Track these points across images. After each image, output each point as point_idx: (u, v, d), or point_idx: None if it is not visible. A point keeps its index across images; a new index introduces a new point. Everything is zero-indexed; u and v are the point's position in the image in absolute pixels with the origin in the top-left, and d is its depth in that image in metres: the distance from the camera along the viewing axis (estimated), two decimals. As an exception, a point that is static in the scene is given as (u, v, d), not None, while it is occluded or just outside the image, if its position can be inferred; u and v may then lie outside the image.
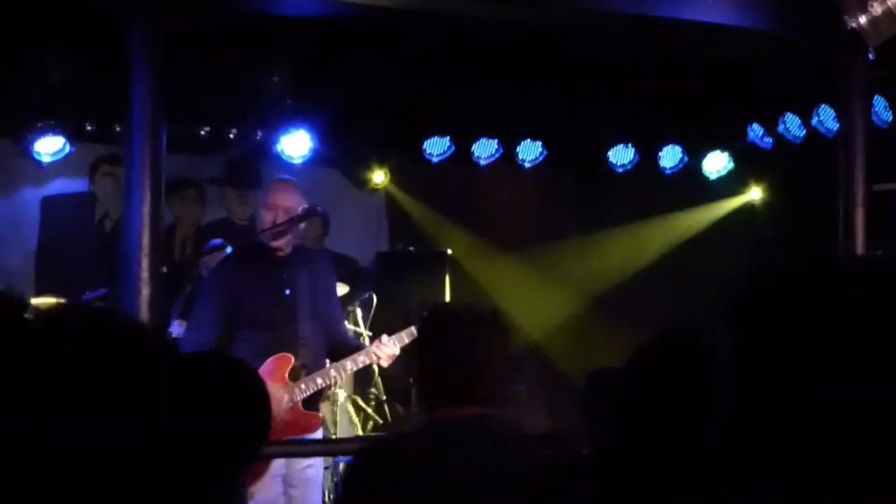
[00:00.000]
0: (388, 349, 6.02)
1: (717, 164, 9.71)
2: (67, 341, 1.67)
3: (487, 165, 9.48)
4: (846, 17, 5.61)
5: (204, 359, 2.07)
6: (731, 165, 9.66)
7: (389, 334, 6.14)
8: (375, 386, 8.32)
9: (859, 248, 6.08)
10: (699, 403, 2.38)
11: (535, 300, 9.80)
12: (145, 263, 4.87)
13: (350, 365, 5.97)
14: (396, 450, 3.43)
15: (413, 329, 6.25)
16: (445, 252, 9.02)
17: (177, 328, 7.53)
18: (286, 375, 5.81)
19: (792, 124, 9.23)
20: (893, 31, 5.51)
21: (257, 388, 2.09)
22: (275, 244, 5.91)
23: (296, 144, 8.68)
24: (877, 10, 5.52)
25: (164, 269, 5.03)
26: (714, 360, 2.45)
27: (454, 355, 3.38)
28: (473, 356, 3.37)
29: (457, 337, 3.39)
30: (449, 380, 3.37)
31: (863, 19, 5.49)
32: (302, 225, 6.05)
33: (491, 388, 3.36)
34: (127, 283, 4.89)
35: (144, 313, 4.84)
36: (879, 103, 8.42)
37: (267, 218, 5.92)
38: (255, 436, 2.05)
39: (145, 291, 4.87)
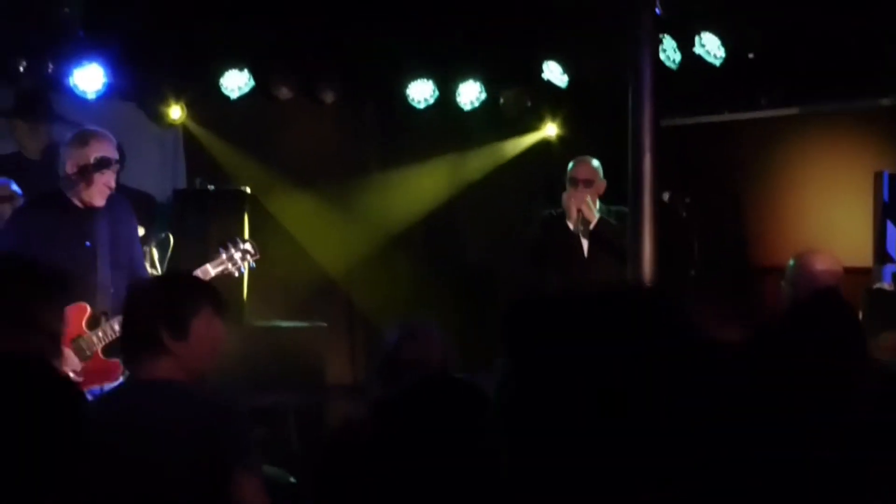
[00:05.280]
0: None
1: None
2: None
3: (286, 101, 9.46)
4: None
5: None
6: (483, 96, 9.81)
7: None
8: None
9: (647, 193, 6.29)
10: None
11: (335, 237, 9.82)
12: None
13: None
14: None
15: (208, 267, 6.23)
16: (244, 190, 8.94)
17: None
18: (83, 324, 5.74)
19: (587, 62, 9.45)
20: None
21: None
22: (85, 196, 5.79)
23: (89, 78, 8.51)
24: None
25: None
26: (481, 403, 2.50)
27: None
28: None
29: None
30: None
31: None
32: (101, 175, 5.89)
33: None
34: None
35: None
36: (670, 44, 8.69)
37: (74, 169, 5.79)
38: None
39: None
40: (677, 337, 1.54)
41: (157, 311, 3.52)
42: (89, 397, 4.55)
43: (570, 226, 7.48)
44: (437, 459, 2.40)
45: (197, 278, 3.71)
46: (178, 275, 3.72)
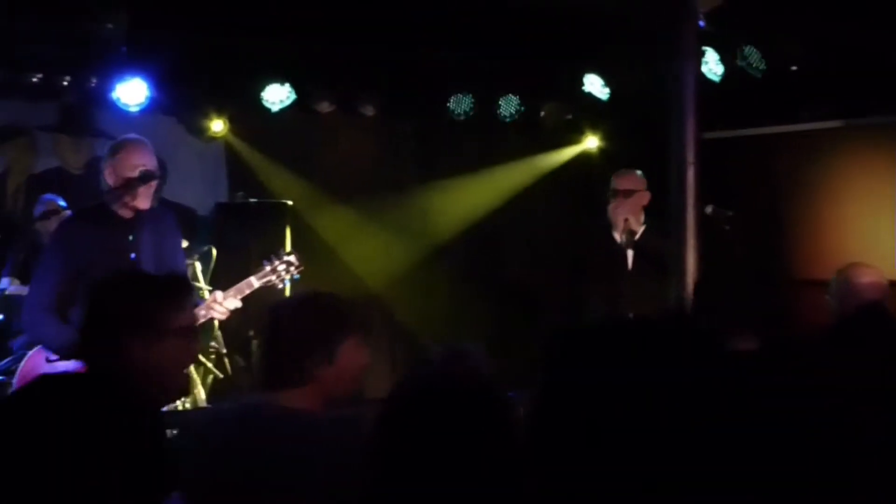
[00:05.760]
0: (228, 304, 6.01)
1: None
2: None
3: (327, 114, 9.49)
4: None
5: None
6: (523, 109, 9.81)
7: (229, 286, 6.12)
8: (215, 339, 8.27)
9: (690, 205, 6.26)
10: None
11: (375, 251, 9.84)
12: (-22, 232, 4.77)
13: None
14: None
15: (252, 279, 6.24)
16: (286, 203, 8.97)
17: (7, 285, 7.37)
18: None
19: (627, 75, 9.43)
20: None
21: None
22: (131, 204, 5.81)
23: (132, 92, 8.56)
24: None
25: (-1, 236, 4.93)
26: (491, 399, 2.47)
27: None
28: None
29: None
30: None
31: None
32: (142, 187, 5.90)
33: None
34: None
35: (-22, 282, 4.75)
36: (712, 57, 8.67)
37: (119, 182, 5.81)
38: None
39: (-22, 260, 4.77)
40: (714, 365, 1.53)
41: (306, 335, 3.36)
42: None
43: (616, 237, 7.45)
44: (444, 464, 2.37)
45: (345, 302, 3.52)
46: (326, 298, 3.51)
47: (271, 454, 3.19)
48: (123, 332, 3.20)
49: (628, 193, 7.44)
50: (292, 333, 3.37)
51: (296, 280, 6.40)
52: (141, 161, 5.86)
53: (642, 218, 7.47)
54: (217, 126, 9.31)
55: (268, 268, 6.30)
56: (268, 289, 6.36)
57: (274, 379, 3.37)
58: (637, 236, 7.40)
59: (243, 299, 6.12)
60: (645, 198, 7.51)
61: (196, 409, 6.51)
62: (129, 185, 5.77)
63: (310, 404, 3.31)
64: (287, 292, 8.18)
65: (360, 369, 3.44)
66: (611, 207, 7.48)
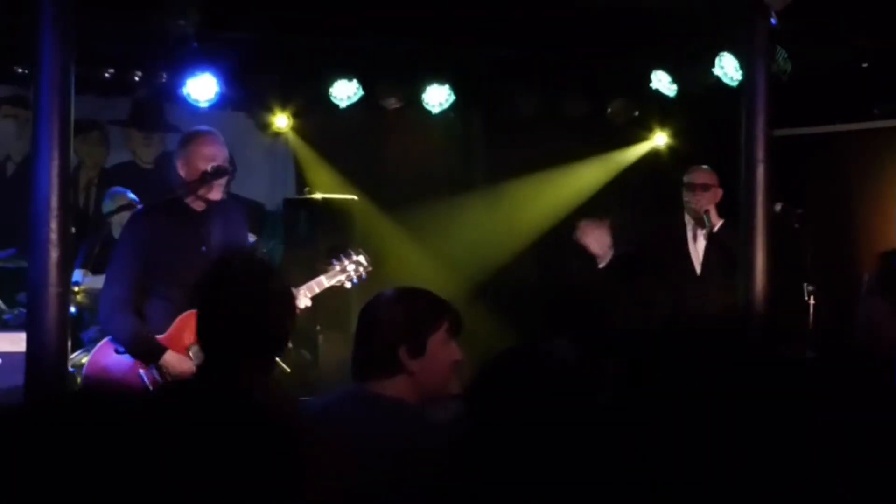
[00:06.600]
0: (299, 303, 6.02)
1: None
2: None
3: (393, 110, 9.50)
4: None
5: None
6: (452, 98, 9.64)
7: (297, 281, 6.14)
8: (283, 333, 8.31)
9: (760, 203, 6.23)
10: None
11: (441, 249, 9.82)
12: (54, 225, 4.83)
13: None
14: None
15: (322, 279, 6.25)
16: (354, 199, 9.01)
17: (80, 278, 7.46)
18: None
19: (696, 72, 9.37)
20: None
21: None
22: (205, 197, 5.83)
23: (202, 87, 8.66)
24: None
25: (73, 230, 4.99)
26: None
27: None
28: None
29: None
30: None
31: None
32: (219, 181, 5.92)
33: None
34: (35, 246, 4.85)
35: (53, 276, 4.81)
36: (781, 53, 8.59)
37: (192, 171, 5.83)
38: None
39: (54, 254, 4.83)
40: None
41: (397, 325, 3.39)
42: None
43: (691, 220, 7.48)
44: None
45: (436, 296, 3.60)
46: (418, 291, 3.60)
47: (355, 434, 3.24)
48: None
49: (706, 187, 7.47)
50: (384, 323, 3.40)
51: (363, 280, 6.41)
52: (212, 152, 5.87)
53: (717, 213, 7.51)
54: (284, 121, 9.37)
55: (337, 267, 6.31)
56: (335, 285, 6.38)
57: (365, 368, 3.41)
58: (716, 229, 7.42)
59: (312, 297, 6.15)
60: (718, 194, 7.54)
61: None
62: (203, 179, 5.80)
63: (399, 394, 3.33)
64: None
65: (450, 365, 3.43)
66: (687, 199, 7.51)
